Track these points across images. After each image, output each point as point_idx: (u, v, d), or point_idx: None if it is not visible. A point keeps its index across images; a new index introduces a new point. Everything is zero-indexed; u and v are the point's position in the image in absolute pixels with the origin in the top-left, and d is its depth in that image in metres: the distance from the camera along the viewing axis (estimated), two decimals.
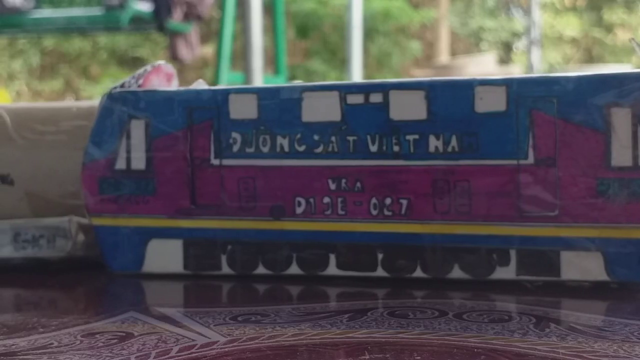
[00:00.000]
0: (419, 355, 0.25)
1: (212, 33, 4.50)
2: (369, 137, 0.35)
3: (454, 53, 6.32)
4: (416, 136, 0.34)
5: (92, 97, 4.98)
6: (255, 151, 0.36)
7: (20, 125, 0.40)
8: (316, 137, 0.35)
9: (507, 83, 0.33)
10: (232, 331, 0.28)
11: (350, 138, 0.35)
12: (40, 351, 0.26)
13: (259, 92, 0.36)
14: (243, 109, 0.36)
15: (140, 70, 0.39)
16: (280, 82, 2.75)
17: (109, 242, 0.38)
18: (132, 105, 0.37)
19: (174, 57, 3.25)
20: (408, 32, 5.92)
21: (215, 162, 0.37)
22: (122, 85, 0.38)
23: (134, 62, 5.75)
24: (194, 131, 0.37)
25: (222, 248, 0.37)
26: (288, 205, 0.36)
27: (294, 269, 0.36)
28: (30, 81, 5.77)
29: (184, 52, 3.18)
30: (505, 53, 6.53)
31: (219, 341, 0.27)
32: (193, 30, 3.15)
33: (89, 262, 0.39)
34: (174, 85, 0.41)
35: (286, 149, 0.36)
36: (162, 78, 0.40)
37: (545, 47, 5.94)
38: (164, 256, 0.37)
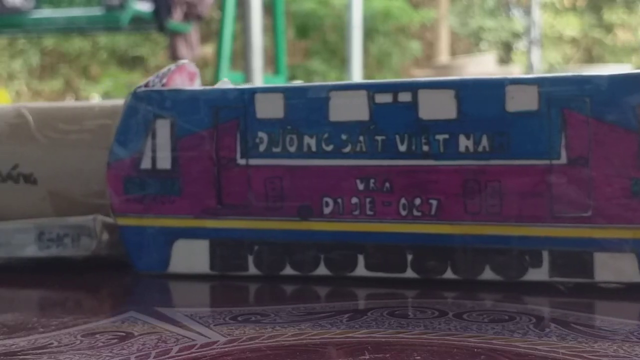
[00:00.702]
0: (418, 355, 0.25)
1: (212, 33, 4.50)
2: (397, 137, 0.34)
3: (454, 53, 6.32)
4: (446, 136, 0.34)
5: (91, 97, 4.97)
6: (282, 151, 0.36)
7: (43, 124, 0.40)
8: (344, 137, 0.35)
9: (539, 82, 0.33)
10: (232, 331, 0.28)
11: (379, 138, 0.35)
12: (40, 351, 0.26)
13: (285, 91, 0.36)
14: (269, 109, 0.36)
15: (164, 70, 0.39)
16: (280, 82, 2.75)
17: (135, 242, 0.37)
18: (157, 104, 0.37)
19: (174, 57, 3.24)
20: (408, 32, 5.92)
21: (242, 161, 0.36)
22: (146, 85, 0.38)
23: (134, 62, 5.75)
24: (220, 130, 0.36)
25: (248, 248, 0.37)
26: (315, 206, 0.36)
27: (322, 270, 0.36)
28: (30, 81, 5.76)
29: (184, 52, 3.18)
30: (505, 53, 6.53)
31: (219, 341, 0.27)
32: (193, 30, 3.15)
33: (113, 261, 0.39)
34: (196, 85, 0.41)
35: (313, 148, 0.35)
36: (185, 77, 0.40)
37: (545, 47, 5.94)
38: (190, 256, 0.37)
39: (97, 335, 0.28)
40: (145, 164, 0.37)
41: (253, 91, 0.36)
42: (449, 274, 0.34)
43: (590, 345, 0.26)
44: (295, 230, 0.36)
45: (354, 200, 0.35)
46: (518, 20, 6.33)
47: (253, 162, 0.36)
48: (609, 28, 6.35)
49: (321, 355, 0.25)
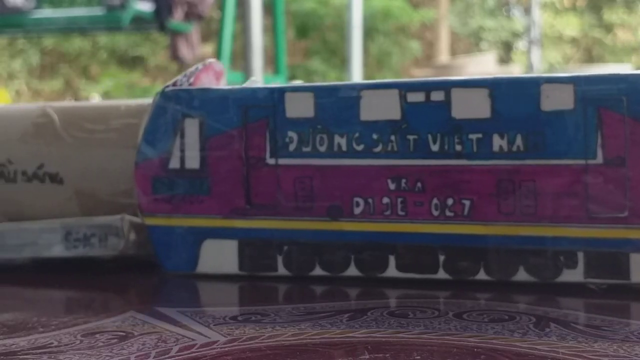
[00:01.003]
0: (418, 354, 0.25)
1: (212, 33, 4.50)
2: (430, 136, 0.34)
3: (454, 53, 6.32)
4: (479, 135, 0.34)
5: (91, 96, 4.97)
6: (312, 150, 0.36)
7: (69, 123, 0.39)
8: (375, 136, 0.35)
9: (574, 81, 0.33)
10: (232, 331, 0.28)
11: (411, 137, 0.34)
12: (40, 351, 0.26)
13: (315, 90, 0.36)
14: (299, 108, 0.36)
15: (192, 68, 0.39)
16: (280, 81, 2.75)
17: (163, 242, 0.37)
18: (186, 103, 0.37)
19: (174, 57, 3.25)
20: (408, 32, 5.92)
21: (271, 161, 0.36)
22: (174, 84, 0.37)
23: (134, 62, 5.74)
24: (249, 130, 0.36)
25: (278, 249, 0.36)
26: (346, 206, 0.35)
27: (352, 271, 0.36)
28: (30, 81, 5.75)
29: (184, 51, 3.18)
30: (505, 53, 6.53)
31: (218, 341, 0.27)
32: (194, 30, 3.15)
33: (140, 261, 0.39)
34: (222, 84, 0.41)
35: (344, 148, 0.35)
36: (212, 76, 0.40)
37: (545, 46, 5.94)
38: (219, 257, 0.37)
39: (97, 335, 0.28)
40: (174, 163, 0.37)
41: (283, 90, 0.36)
42: (481, 275, 0.34)
43: (590, 345, 0.26)
44: (325, 231, 0.36)
45: (385, 200, 0.35)
46: (518, 20, 6.33)
47: (282, 161, 0.36)
48: (609, 28, 6.35)
49: (321, 355, 0.25)
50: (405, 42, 5.83)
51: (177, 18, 2.97)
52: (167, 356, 0.25)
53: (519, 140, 0.33)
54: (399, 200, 0.35)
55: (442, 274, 0.35)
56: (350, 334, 0.27)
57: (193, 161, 0.37)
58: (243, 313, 0.31)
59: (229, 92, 0.36)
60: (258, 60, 2.56)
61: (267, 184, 0.36)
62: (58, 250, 0.38)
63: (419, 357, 0.25)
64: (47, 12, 2.98)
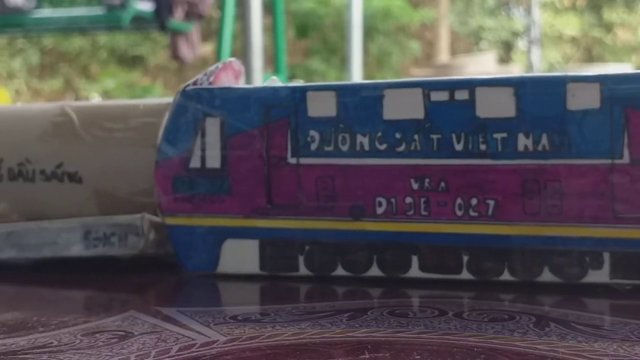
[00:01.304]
0: (418, 354, 0.25)
1: (212, 32, 4.50)
2: (454, 136, 0.34)
3: (453, 52, 6.32)
4: (504, 134, 0.33)
5: (91, 96, 4.96)
6: (334, 150, 0.35)
7: (87, 123, 0.39)
8: (398, 136, 0.35)
9: (601, 80, 0.32)
10: (232, 330, 0.28)
11: (434, 136, 0.34)
12: (40, 350, 0.26)
13: (338, 89, 0.35)
14: (321, 107, 0.35)
15: (212, 67, 0.38)
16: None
17: (183, 241, 0.37)
18: (207, 102, 0.36)
19: (174, 56, 3.24)
20: (408, 32, 5.92)
21: (293, 160, 0.36)
22: (194, 83, 0.37)
23: (134, 61, 5.74)
24: (271, 129, 0.36)
25: (299, 249, 0.36)
26: (368, 205, 0.35)
27: (375, 271, 0.35)
28: (30, 80, 5.75)
29: (184, 51, 3.18)
30: (505, 52, 6.53)
31: (218, 340, 0.27)
32: (194, 30, 3.14)
33: (160, 260, 0.39)
34: (241, 83, 0.40)
35: (366, 147, 0.35)
36: (231, 75, 0.40)
37: (545, 46, 5.94)
38: (240, 256, 0.37)
39: (97, 335, 0.28)
40: (195, 162, 0.36)
41: (305, 89, 0.36)
42: (506, 276, 0.34)
43: (590, 345, 0.26)
44: (347, 231, 0.35)
45: (408, 200, 0.35)
46: (518, 20, 6.33)
47: (304, 161, 0.36)
48: (608, 27, 6.35)
49: (321, 355, 0.25)
50: (405, 41, 5.83)
51: (177, 17, 2.96)
52: (167, 356, 0.25)
53: (544, 140, 0.33)
54: (422, 200, 0.34)
55: (465, 275, 0.34)
56: (350, 334, 0.27)
57: (214, 160, 0.36)
58: (243, 312, 0.31)
59: (251, 91, 0.36)
60: (258, 60, 2.55)
61: (288, 184, 0.36)
62: (77, 249, 0.38)
63: (418, 357, 0.25)
64: (47, 12, 2.97)
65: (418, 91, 0.34)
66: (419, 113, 0.34)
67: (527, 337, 0.26)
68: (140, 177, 0.38)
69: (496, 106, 0.33)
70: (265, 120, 0.36)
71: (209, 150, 0.36)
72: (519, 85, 0.33)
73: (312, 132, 0.35)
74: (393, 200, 0.35)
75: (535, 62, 5.19)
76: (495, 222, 0.34)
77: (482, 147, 0.34)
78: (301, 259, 0.36)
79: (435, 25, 6.15)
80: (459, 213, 0.34)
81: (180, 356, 0.25)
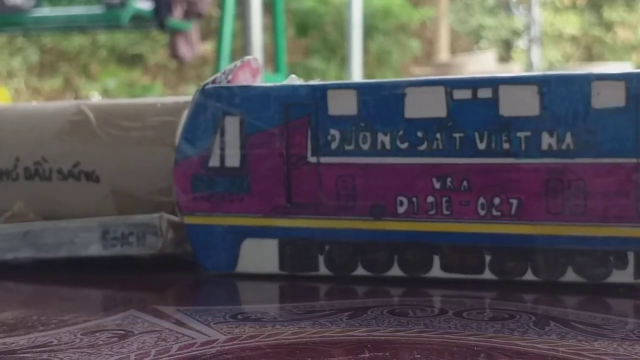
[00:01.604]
0: (418, 353, 0.25)
1: (212, 31, 4.49)
2: (476, 134, 0.34)
3: (453, 51, 6.31)
4: (528, 133, 0.33)
5: (91, 95, 4.96)
6: (355, 148, 0.35)
7: (104, 121, 0.39)
8: (420, 134, 0.34)
9: (626, 78, 0.32)
10: (232, 329, 0.28)
11: (457, 135, 0.34)
12: (40, 349, 0.26)
13: (359, 87, 0.35)
14: (342, 105, 0.35)
15: (231, 66, 0.38)
16: (279, 80, 2.73)
17: (202, 241, 0.37)
18: (226, 101, 0.36)
19: (173, 55, 3.24)
20: (408, 30, 5.91)
21: (313, 159, 0.35)
22: (213, 81, 0.37)
23: (134, 60, 5.73)
24: (291, 128, 0.36)
25: (319, 248, 0.36)
26: (389, 205, 0.35)
27: (395, 271, 0.35)
28: (30, 79, 5.74)
29: (184, 50, 3.17)
30: (505, 51, 6.53)
31: (218, 339, 0.27)
32: (193, 28, 3.14)
33: (178, 260, 0.38)
34: (258, 81, 0.40)
35: (387, 146, 0.35)
36: (248, 74, 0.39)
37: (545, 45, 5.93)
38: (259, 256, 0.36)
39: (97, 334, 0.28)
40: (214, 161, 0.36)
41: (325, 87, 0.35)
42: (529, 276, 0.34)
43: (591, 344, 0.25)
44: (368, 230, 0.35)
45: (430, 199, 0.34)
46: (518, 18, 6.32)
47: (324, 160, 0.35)
48: (609, 26, 6.35)
49: (321, 354, 0.25)
50: (405, 40, 5.83)
51: (176, 16, 2.96)
52: (167, 355, 0.25)
53: (568, 139, 0.33)
54: (444, 199, 0.34)
55: (488, 275, 0.34)
56: (350, 333, 0.27)
57: (233, 159, 0.36)
58: (243, 312, 0.31)
59: (270, 90, 0.36)
60: (258, 59, 2.55)
61: (308, 183, 0.36)
62: (95, 249, 0.37)
63: (418, 356, 0.25)
64: (46, 11, 2.97)
65: (440, 89, 0.34)
66: (441, 111, 0.34)
67: (527, 336, 0.26)
68: (157, 176, 0.38)
69: (520, 104, 0.33)
70: (285, 119, 0.36)
71: (229, 149, 0.36)
72: (543, 83, 0.33)
73: (333, 131, 0.35)
74: (414, 199, 0.34)
75: (535, 60, 5.19)
76: (519, 222, 0.33)
77: (506, 145, 0.33)
78: (321, 258, 0.36)
79: (435, 24, 6.14)
80: (482, 212, 0.34)
81: (180, 355, 0.25)
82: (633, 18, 6.27)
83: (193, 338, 0.27)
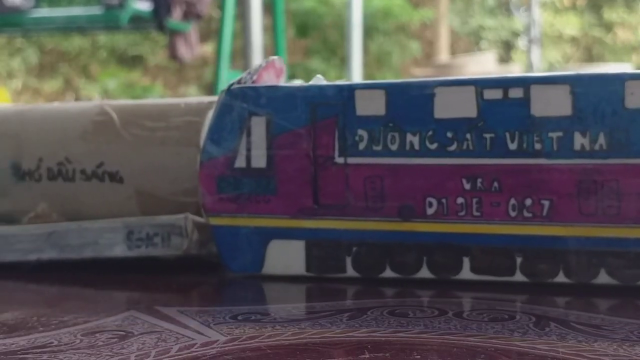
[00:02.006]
0: (418, 354, 0.25)
1: (212, 32, 4.49)
2: (507, 135, 0.33)
3: (454, 52, 6.31)
4: (560, 133, 0.33)
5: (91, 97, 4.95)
6: (383, 149, 0.35)
7: (128, 122, 0.38)
8: (449, 135, 0.34)
9: None
10: (232, 330, 0.28)
11: (487, 135, 0.34)
12: (39, 350, 0.26)
13: (387, 87, 0.35)
14: (370, 105, 0.35)
15: (256, 66, 0.38)
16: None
17: (228, 242, 0.36)
18: (252, 101, 0.36)
19: (173, 56, 3.24)
20: (408, 31, 5.91)
21: (340, 160, 0.35)
22: (239, 82, 0.37)
23: (134, 61, 5.73)
24: (318, 128, 0.35)
25: (347, 250, 0.35)
26: (418, 206, 0.34)
27: (424, 273, 0.35)
28: (30, 80, 5.73)
29: (183, 51, 3.17)
30: (505, 52, 6.52)
31: (218, 340, 0.27)
32: (192, 29, 3.14)
33: (203, 261, 0.38)
34: (282, 81, 0.40)
35: (416, 146, 0.34)
36: (272, 74, 0.39)
37: (545, 46, 5.93)
38: (286, 257, 0.36)
39: (97, 335, 0.28)
40: (240, 162, 0.36)
41: (353, 88, 0.35)
42: (560, 278, 0.33)
43: (590, 345, 0.25)
44: (396, 231, 0.35)
45: (460, 200, 0.34)
46: (518, 19, 6.32)
47: (352, 160, 0.35)
48: (609, 27, 6.35)
49: (321, 354, 0.25)
50: (405, 41, 5.82)
51: (175, 17, 2.95)
52: (167, 355, 0.25)
53: (601, 139, 0.32)
54: (475, 200, 0.34)
55: (519, 277, 0.34)
56: (351, 333, 0.27)
57: (259, 160, 0.36)
58: (243, 312, 0.30)
59: (297, 90, 0.36)
60: (258, 59, 2.55)
61: (335, 184, 0.35)
62: (120, 250, 0.37)
63: (418, 357, 0.24)
64: (45, 11, 2.96)
65: (471, 89, 0.34)
66: (471, 111, 0.34)
67: (527, 337, 0.26)
68: (181, 176, 0.38)
69: (552, 104, 0.33)
70: (312, 119, 0.35)
71: (255, 149, 0.36)
72: (576, 83, 0.32)
73: (360, 131, 0.35)
74: (444, 200, 0.34)
75: (535, 61, 5.19)
76: (550, 223, 0.33)
77: (537, 146, 0.33)
78: (348, 260, 0.35)
79: (435, 24, 6.14)
80: (513, 214, 0.33)
81: (180, 356, 0.25)
82: (633, 19, 6.27)
83: (193, 339, 0.27)
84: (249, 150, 0.36)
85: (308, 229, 0.36)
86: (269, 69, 0.39)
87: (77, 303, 0.34)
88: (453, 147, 0.34)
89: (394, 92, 0.34)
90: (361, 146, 0.35)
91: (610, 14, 6.31)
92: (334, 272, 0.36)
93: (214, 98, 0.39)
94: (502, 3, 6.52)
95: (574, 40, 6.51)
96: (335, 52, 5.45)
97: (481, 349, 0.25)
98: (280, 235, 0.36)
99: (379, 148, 0.35)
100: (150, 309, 0.31)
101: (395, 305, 0.31)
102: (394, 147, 0.35)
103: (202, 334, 0.27)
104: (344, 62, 4.04)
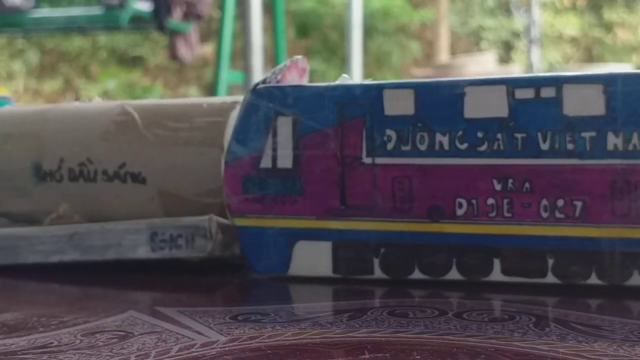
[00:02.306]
0: (418, 354, 0.25)
1: (212, 32, 4.48)
2: (539, 135, 0.33)
3: (453, 52, 6.31)
4: (593, 133, 0.32)
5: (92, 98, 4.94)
6: (412, 149, 0.34)
7: (150, 122, 0.38)
8: (480, 135, 0.33)
9: None
10: (232, 330, 0.28)
11: (519, 135, 0.33)
12: (39, 350, 0.26)
13: (416, 87, 0.34)
14: (399, 105, 0.34)
15: (280, 65, 0.37)
16: None
17: (253, 243, 0.36)
18: (278, 101, 0.35)
19: (173, 57, 3.23)
20: (408, 31, 5.91)
21: (368, 160, 0.35)
22: (264, 81, 0.36)
23: (134, 61, 5.72)
24: (345, 128, 0.35)
25: (374, 251, 0.35)
26: (448, 207, 0.34)
27: (454, 275, 0.34)
28: (30, 80, 5.73)
29: (183, 51, 3.17)
30: (505, 52, 6.52)
31: (219, 340, 0.26)
32: (193, 30, 3.13)
33: (227, 263, 0.38)
34: (304, 81, 0.39)
35: (446, 147, 0.34)
36: (295, 74, 0.38)
37: (545, 46, 5.93)
38: (312, 259, 0.36)
39: (97, 335, 0.27)
40: (265, 162, 0.35)
41: (381, 87, 0.35)
42: (593, 280, 0.33)
43: (590, 345, 0.25)
44: (425, 233, 0.34)
45: (490, 201, 0.33)
46: (518, 20, 6.32)
47: (380, 161, 0.35)
48: (609, 27, 6.34)
49: (321, 355, 0.25)
50: (405, 41, 5.82)
51: (175, 18, 2.95)
52: (167, 356, 0.25)
53: (635, 139, 0.32)
54: (505, 201, 0.33)
55: (550, 279, 0.33)
56: (350, 334, 0.27)
57: (286, 160, 0.35)
58: (244, 313, 0.30)
59: (324, 90, 0.35)
60: (258, 60, 2.54)
61: (363, 184, 0.35)
62: (143, 251, 0.36)
63: (418, 357, 0.24)
64: (45, 12, 2.96)
65: (502, 88, 0.33)
66: (502, 111, 0.33)
67: (527, 337, 0.26)
68: (205, 177, 0.37)
69: (585, 104, 0.32)
70: (340, 119, 0.35)
71: (281, 149, 0.35)
72: (609, 82, 0.32)
73: (389, 131, 0.34)
74: (474, 201, 0.34)
75: (535, 62, 5.19)
76: (583, 224, 0.33)
77: (570, 146, 0.32)
78: (376, 261, 0.35)
79: (435, 25, 6.14)
80: (545, 215, 0.33)
81: (180, 356, 0.25)
82: (633, 19, 6.27)
83: (193, 339, 0.27)
84: (274, 150, 0.35)
85: (335, 230, 0.35)
86: (292, 69, 0.38)
87: (82, 303, 0.34)
88: (484, 147, 0.33)
89: (423, 92, 0.34)
90: (389, 146, 0.34)
91: (610, 15, 6.31)
92: (362, 274, 0.35)
93: (237, 98, 0.39)
94: (502, 3, 6.52)
95: (574, 40, 6.51)
96: (335, 52, 5.45)
97: (481, 349, 0.25)
98: (307, 236, 0.35)
99: (407, 148, 0.34)
100: (150, 309, 0.31)
101: (395, 305, 0.31)
102: (423, 147, 0.34)
103: (202, 334, 0.27)
104: (344, 63, 4.03)
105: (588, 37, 6.47)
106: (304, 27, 5.52)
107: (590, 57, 6.31)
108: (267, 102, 0.35)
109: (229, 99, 0.39)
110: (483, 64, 4.78)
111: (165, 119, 0.38)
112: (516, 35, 6.45)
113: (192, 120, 0.38)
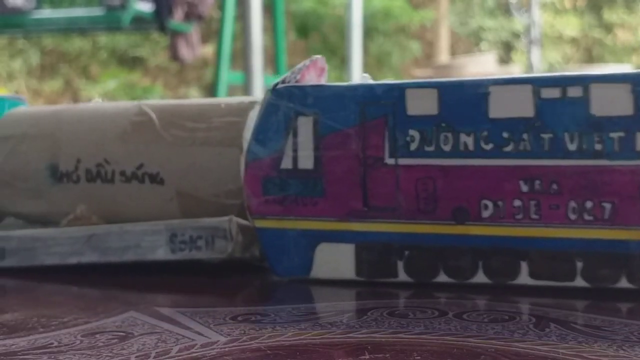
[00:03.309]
0: (418, 355, 0.25)
1: (212, 33, 4.48)
2: (566, 135, 0.32)
3: (454, 53, 6.31)
4: (621, 134, 0.32)
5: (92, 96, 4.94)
6: (436, 150, 0.34)
7: (168, 122, 0.37)
8: (505, 135, 0.33)
9: None
10: (232, 331, 0.27)
11: (545, 135, 0.32)
12: (40, 351, 0.26)
13: (440, 86, 0.34)
14: (422, 105, 0.34)
15: (300, 65, 0.37)
16: None
17: (274, 245, 0.35)
18: (299, 101, 0.35)
19: (174, 57, 3.23)
20: (408, 32, 5.91)
21: (390, 161, 0.34)
22: (283, 81, 0.35)
23: (134, 62, 5.72)
24: (367, 128, 0.34)
25: (398, 253, 0.34)
26: (473, 208, 0.33)
27: (480, 278, 0.34)
28: (30, 81, 5.72)
29: (184, 52, 3.16)
30: (505, 53, 6.52)
31: (219, 341, 0.26)
32: (194, 30, 3.13)
33: (247, 264, 0.37)
34: (323, 80, 0.39)
35: (470, 147, 0.33)
36: (313, 73, 0.38)
37: (545, 47, 5.93)
38: (334, 261, 0.35)
39: (97, 335, 0.27)
40: (286, 163, 0.35)
41: (403, 86, 0.34)
42: (623, 283, 0.32)
43: (590, 345, 0.25)
44: (450, 235, 0.34)
45: (517, 203, 0.33)
46: (518, 20, 6.32)
47: (403, 161, 0.34)
48: (609, 28, 6.34)
49: (321, 355, 0.25)
50: (405, 42, 5.82)
51: (177, 18, 2.95)
52: (167, 356, 0.25)
53: None
54: (532, 203, 0.33)
55: (579, 282, 0.33)
56: (351, 334, 0.27)
57: (306, 161, 0.35)
58: (244, 313, 0.30)
59: (345, 89, 0.34)
60: (258, 60, 2.54)
61: (385, 185, 0.34)
62: (163, 253, 0.36)
63: (419, 357, 0.24)
64: (47, 12, 2.96)
65: (527, 88, 0.32)
66: (528, 111, 0.33)
67: (527, 338, 0.26)
68: (224, 178, 0.37)
69: (613, 103, 0.32)
70: (361, 119, 0.34)
71: (302, 150, 0.35)
72: (638, 82, 0.31)
73: (412, 132, 0.34)
74: (500, 203, 0.33)
75: (535, 62, 5.18)
76: (612, 227, 0.32)
77: (598, 147, 0.32)
78: (400, 264, 0.34)
79: (435, 25, 6.13)
80: (573, 217, 0.32)
81: (180, 357, 0.25)
82: (633, 20, 6.26)
83: (193, 340, 0.27)
84: (295, 150, 0.35)
85: (358, 232, 0.35)
86: (311, 69, 0.38)
87: (84, 303, 0.33)
88: (509, 148, 0.33)
89: (446, 91, 0.33)
90: (412, 147, 0.34)
91: (610, 15, 6.31)
92: (385, 277, 0.35)
93: (255, 98, 0.38)
94: (502, 4, 6.52)
95: (574, 41, 6.50)
96: (335, 52, 5.45)
97: (481, 349, 0.25)
98: (329, 238, 0.35)
99: (431, 149, 0.34)
100: (150, 309, 0.31)
101: (395, 306, 0.31)
102: (447, 148, 0.33)
103: (202, 334, 0.27)
104: (344, 63, 4.03)
105: (588, 38, 6.47)
106: (304, 27, 5.52)
107: (590, 58, 6.31)
108: (287, 102, 0.35)
109: (246, 99, 0.38)
110: (483, 65, 4.77)
111: (182, 119, 0.37)
112: (516, 35, 6.45)
113: (210, 121, 0.37)
